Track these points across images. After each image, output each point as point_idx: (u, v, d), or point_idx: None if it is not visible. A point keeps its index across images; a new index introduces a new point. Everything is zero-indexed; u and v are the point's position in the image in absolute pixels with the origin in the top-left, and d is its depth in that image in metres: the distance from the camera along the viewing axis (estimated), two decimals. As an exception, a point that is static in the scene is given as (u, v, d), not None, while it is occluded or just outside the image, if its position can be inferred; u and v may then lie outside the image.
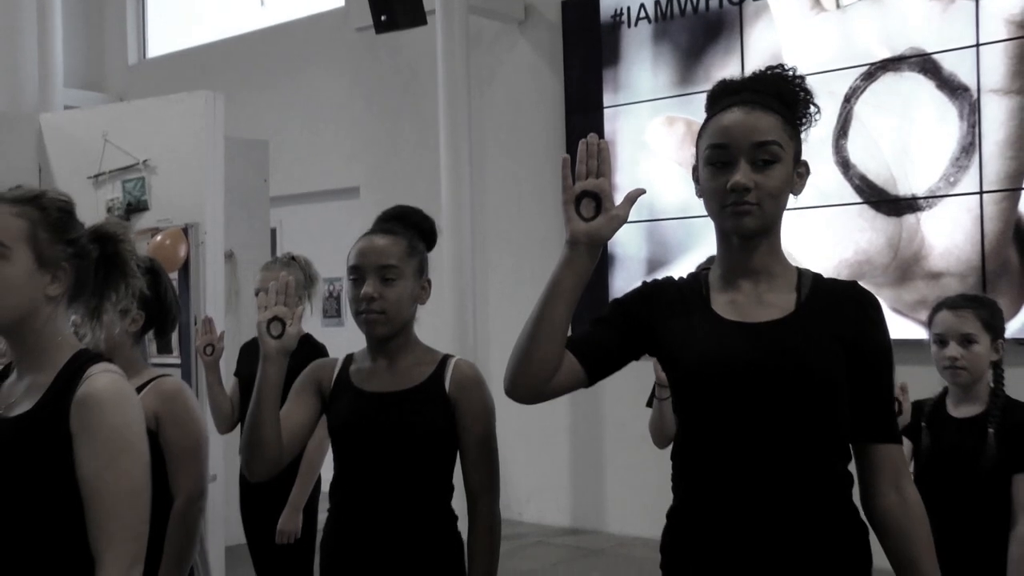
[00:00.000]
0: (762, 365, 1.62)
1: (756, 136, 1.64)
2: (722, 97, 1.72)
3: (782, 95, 1.70)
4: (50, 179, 5.36)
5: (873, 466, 1.68)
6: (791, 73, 1.73)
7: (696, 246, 5.69)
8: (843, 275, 5.19)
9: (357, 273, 2.14)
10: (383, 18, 5.79)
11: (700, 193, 1.74)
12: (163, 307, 2.55)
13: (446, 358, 2.20)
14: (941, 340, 2.65)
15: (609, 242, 5.17)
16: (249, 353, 3.55)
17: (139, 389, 2.31)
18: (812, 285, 1.72)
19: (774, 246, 1.72)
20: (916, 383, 2.66)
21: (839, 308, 1.68)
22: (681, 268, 5.45)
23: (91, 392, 1.61)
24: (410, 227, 2.23)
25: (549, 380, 1.67)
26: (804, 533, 1.61)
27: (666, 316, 1.72)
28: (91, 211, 5.02)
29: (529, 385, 1.67)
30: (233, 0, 8.63)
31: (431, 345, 2.27)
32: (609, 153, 1.70)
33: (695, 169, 1.75)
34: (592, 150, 1.68)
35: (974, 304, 2.67)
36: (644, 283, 1.83)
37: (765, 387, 1.61)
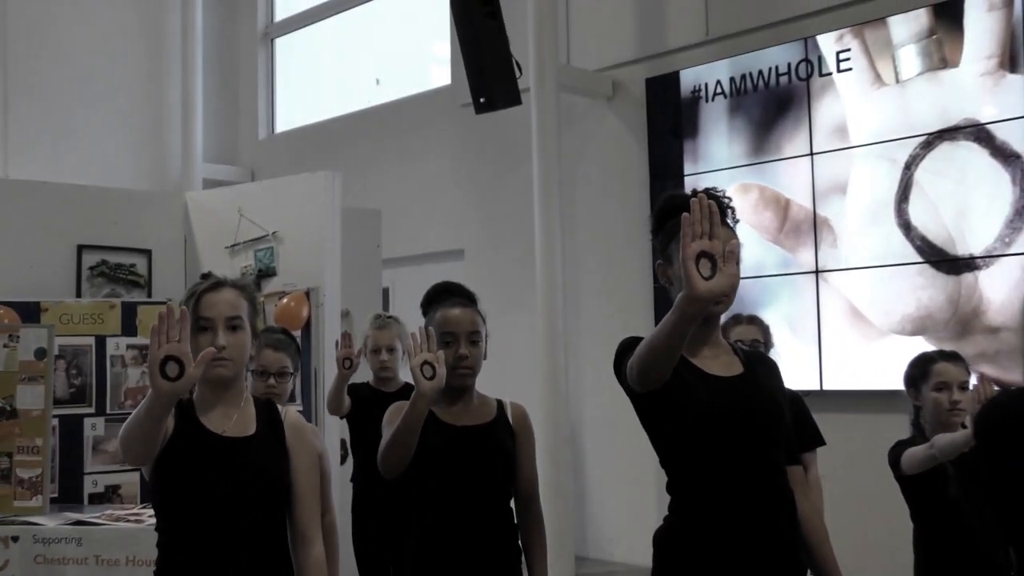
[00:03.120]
0: (754, 409, 2.13)
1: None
2: (675, 211, 2.14)
3: (722, 209, 2.19)
4: (194, 249, 6.13)
5: (792, 480, 2.20)
6: (720, 191, 2.23)
7: (770, 301, 6.13)
8: (907, 330, 5.58)
9: (452, 337, 2.70)
10: (482, 100, 6.43)
11: (668, 283, 2.21)
12: None
13: (500, 401, 2.78)
14: (945, 387, 3.09)
15: None
16: (354, 393, 4.14)
17: None
18: (743, 352, 2.24)
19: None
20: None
21: (767, 368, 2.20)
22: (757, 323, 5.89)
23: (296, 420, 2.34)
24: (472, 300, 2.80)
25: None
26: (784, 530, 2.13)
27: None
28: (229, 277, 5.78)
29: (652, 384, 2.06)
30: (352, 79, 9.46)
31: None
32: (718, 215, 1.90)
33: (661, 265, 2.23)
34: (705, 212, 1.87)
35: (958, 357, 3.13)
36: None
37: (758, 426, 2.13)
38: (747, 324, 4.02)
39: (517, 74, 6.46)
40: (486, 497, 2.65)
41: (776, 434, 2.15)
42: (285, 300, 5.40)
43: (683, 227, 1.84)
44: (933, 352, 3.22)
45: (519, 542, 2.71)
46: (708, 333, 2.19)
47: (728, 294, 2.05)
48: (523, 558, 2.72)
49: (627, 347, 2.13)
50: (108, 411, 5.22)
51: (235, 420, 2.26)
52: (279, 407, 2.38)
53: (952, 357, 3.15)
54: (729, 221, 2.21)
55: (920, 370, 3.17)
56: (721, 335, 2.24)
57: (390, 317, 4.21)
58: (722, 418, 2.11)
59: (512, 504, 2.74)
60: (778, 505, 2.12)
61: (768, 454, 2.13)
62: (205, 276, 2.39)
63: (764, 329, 4.05)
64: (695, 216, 1.84)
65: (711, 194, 2.18)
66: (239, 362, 2.27)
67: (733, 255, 1.89)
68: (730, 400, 2.12)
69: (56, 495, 4.81)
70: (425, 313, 2.84)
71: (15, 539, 4.18)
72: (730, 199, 2.25)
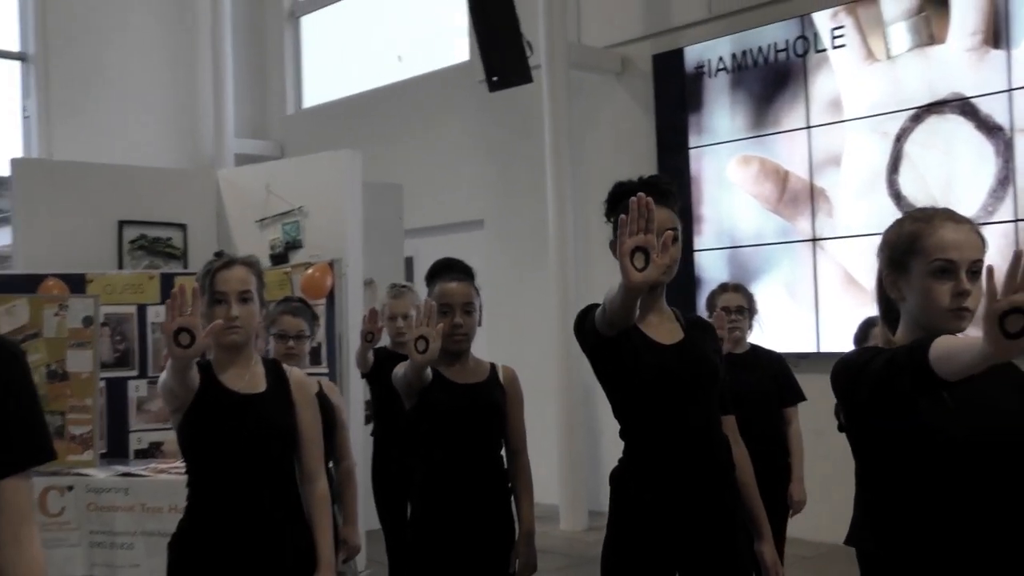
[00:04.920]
0: (691, 371, 2.50)
1: (667, 225, 2.46)
2: (624, 197, 2.39)
3: (666, 193, 2.53)
4: (226, 223, 6.55)
5: (725, 428, 2.58)
6: (664, 177, 2.58)
7: (769, 268, 6.46)
8: (896, 294, 5.88)
9: (448, 308, 3.07)
10: (494, 79, 6.77)
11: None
12: None
13: (493, 364, 3.14)
14: (950, 268, 1.90)
15: (695, 267, 6.48)
16: (379, 357, 4.52)
17: None
18: (684, 318, 2.59)
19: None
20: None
21: (704, 332, 2.56)
22: (758, 289, 6.22)
23: (299, 377, 2.74)
24: (468, 274, 3.17)
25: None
26: (717, 469, 2.50)
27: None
28: (258, 249, 6.20)
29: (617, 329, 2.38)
30: (375, 56, 9.81)
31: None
32: (655, 211, 2.11)
33: (613, 243, 2.43)
34: (643, 210, 2.08)
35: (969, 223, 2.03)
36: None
37: (694, 385, 2.50)
38: (732, 292, 4.32)
39: (528, 53, 6.78)
40: (480, 443, 3.03)
41: (710, 391, 2.51)
42: (310, 271, 5.80)
43: (619, 226, 2.10)
44: (931, 210, 2.01)
45: (508, 484, 3.09)
46: (654, 301, 2.54)
47: (663, 277, 2.41)
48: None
49: (586, 312, 2.50)
50: (150, 374, 5.66)
51: (247, 379, 2.65)
52: (284, 367, 2.77)
53: (959, 219, 1.97)
54: (672, 204, 2.55)
55: (909, 241, 1.96)
56: (665, 303, 2.58)
57: (404, 286, 4.59)
58: (663, 379, 2.47)
59: (503, 453, 3.11)
60: (712, 448, 2.49)
61: (703, 407, 2.49)
62: (218, 255, 2.76)
63: (748, 296, 4.35)
64: (632, 215, 2.09)
65: (653, 181, 2.53)
66: (249, 329, 2.66)
67: (667, 245, 2.19)
68: (669, 364, 2.48)
69: (105, 451, 5.26)
70: (428, 285, 3.21)
71: (70, 488, 4.63)
72: (672, 184, 2.59)
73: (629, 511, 2.49)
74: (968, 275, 1.90)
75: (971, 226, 1.94)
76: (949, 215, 1.95)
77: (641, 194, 2.14)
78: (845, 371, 1.92)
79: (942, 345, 1.69)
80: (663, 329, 2.54)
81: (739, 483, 2.58)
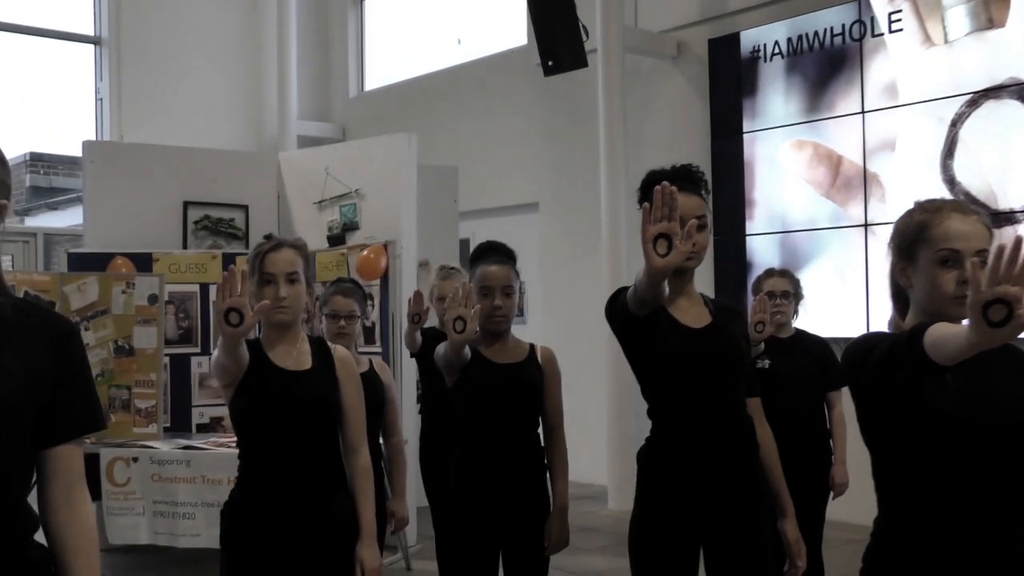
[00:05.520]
0: (717, 355, 2.58)
1: (695, 212, 2.55)
2: (654, 184, 2.48)
3: (695, 181, 2.61)
4: (286, 204, 6.74)
5: (750, 409, 2.65)
6: (694, 166, 2.65)
7: (821, 253, 6.46)
8: (949, 280, 5.85)
9: (488, 290, 3.18)
10: (550, 63, 6.84)
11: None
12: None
13: (532, 344, 3.24)
14: (955, 258, 1.94)
15: (747, 252, 6.53)
16: (427, 337, 4.65)
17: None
18: (712, 303, 2.66)
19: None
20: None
21: (732, 317, 2.64)
22: (809, 273, 6.24)
23: (343, 354, 2.84)
24: (510, 257, 3.26)
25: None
26: (741, 447, 2.58)
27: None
28: (316, 230, 6.37)
29: (647, 309, 2.47)
30: (435, 40, 9.93)
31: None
32: (678, 199, 2.21)
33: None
34: (667, 199, 2.19)
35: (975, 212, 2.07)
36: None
37: (719, 368, 2.58)
38: (779, 276, 4.36)
39: (584, 38, 6.84)
40: (517, 421, 3.14)
41: (736, 374, 2.59)
42: (365, 252, 5.95)
43: (643, 214, 2.20)
44: (940, 201, 2.06)
45: (544, 461, 3.20)
46: (683, 285, 2.63)
47: (689, 262, 2.50)
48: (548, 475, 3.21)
49: (617, 294, 2.60)
50: (212, 351, 5.86)
51: (294, 356, 2.79)
52: (329, 345, 2.91)
53: (966, 211, 2.02)
54: (702, 192, 2.62)
55: (917, 230, 2.01)
56: (694, 288, 2.66)
57: (453, 268, 4.70)
58: (689, 362, 2.55)
59: (540, 431, 3.22)
60: (737, 429, 2.57)
61: (728, 389, 2.57)
62: (268, 237, 2.89)
63: (795, 282, 4.38)
64: (656, 203, 2.20)
65: (684, 170, 2.62)
66: (296, 309, 2.79)
67: (691, 233, 2.26)
68: (696, 347, 2.56)
69: (168, 424, 5.49)
70: (471, 267, 3.32)
71: (135, 460, 4.86)
72: (701, 173, 2.66)
73: (656, 487, 2.58)
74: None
75: (978, 217, 2.00)
76: (957, 206, 2.01)
77: (665, 183, 2.23)
78: (853, 354, 1.99)
79: (936, 332, 1.76)
80: (691, 313, 2.62)
81: (763, 463, 2.65)
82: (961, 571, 1.89)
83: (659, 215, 2.20)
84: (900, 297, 2.10)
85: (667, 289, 2.43)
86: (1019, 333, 1.58)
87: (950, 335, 1.71)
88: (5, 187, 1.66)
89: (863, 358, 1.94)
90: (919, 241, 1.99)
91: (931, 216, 1.99)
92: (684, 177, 2.58)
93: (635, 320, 2.51)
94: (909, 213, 2.06)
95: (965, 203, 2.04)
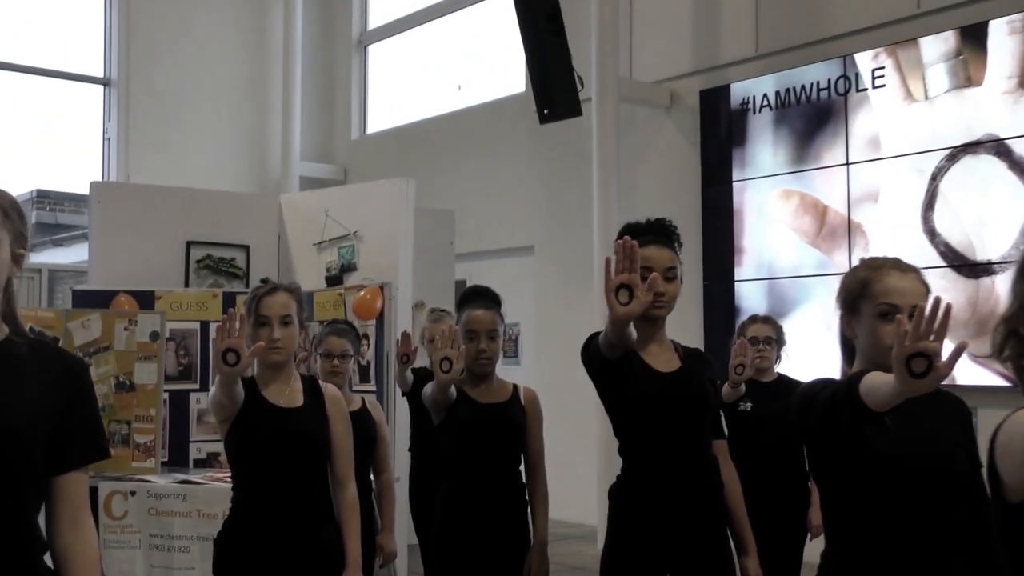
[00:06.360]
0: (685, 397, 2.74)
1: (666, 263, 2.74)
2: (634, 235, 2.66)
3: (668, 235, 2.79)
4: (286, 245, 6.91)
5: (716, 450, 2.80)
6: (668, 220, 2.82)
7: (806, 300, 6.62)
8: (929, 329, 6.01)
9: (474, 333, 3.33)
10: (545, 111, 7.04)
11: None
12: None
13: (515, 385, 3.40)
14: (893, 312, 2.09)
15: (735, 297, 6.71)
16: (418, 377, 4.79)
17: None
18: (683, 349, 2.82)
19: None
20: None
21: (700, 362, 2.79)
22: (796, 319, 6.41)
23: (333, 393, 3.00)
24: (495, 302, 3.43)
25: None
26: (707, 487, 2.73)
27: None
28: (315, 271, 6.55)
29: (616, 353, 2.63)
30: (435, 85, 10.17)
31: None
32: (638, 252, 2.40)
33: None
34: (628, 252, 2.38)
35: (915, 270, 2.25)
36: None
37: (687, 411, 2.73)
38: (762, 323, 4.51)
39: (579, 87, 7.05)
40: (501, 458, 3.29)
41: (703, 416, 2.75)
42: (362, 292, 6.11)
43: (604, 266, 2.38)
44: (881, 259, 2.23)
45: (525, 497, 3.34)
46: (654, 332, 2.79)
47: (658, 311, 2.69)
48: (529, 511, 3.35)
49: (591, 339, 2.76)
50: (211, 387, 5.99)
51: (287, 394, 2.96)
52: (320, 383, 3.07)
53: (905, 268, 2.19)
54: (675, 245, 2.79)
55: (860, 286, 2.19)
56: (665, 334, 2.82)
57: (443, 311, 4.87)
58: (659, 404, 2.72)
59: (521, 468, 3.37)
60: (702, 469, 2.73)
61: (695, 431, 2.73)
62: (264, 281, 3.07)
63: (777, 328, 4.53)
64: (618, 256, 2.38)
65: (661, 223, 2.79)
66: (289, 349, 2.97)
67: (653, 284, 2.44)
68: (665, 390, 2.72)
69: (166, 459, 5.61)
70: (458, 311, 3.49)
71: (133, 493, 4.97)
72: (675, 227, 2.84)
73: (626, 522, 2.73)
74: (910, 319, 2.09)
75: (916, 275, 2.16)
76: (896, 264, 2.18)
77: (627, 237, 2.41)
78: (801, 399, 2.15)
79: (869, 381, 1.92)
80: (662, 358, 2.78)
81: (727, 501, 2.80)
82: None
83: (620, 267, 2.38)
84: (848, 347, 2.26)
85: (634, 334, 2.58)
86: (938, 383, 1.75)
87: (880, 384, 1.87)
88: (23, 238, 1.83)
89: (809, 403, 2.10)
90: (862, 296, 2.16)
91: (873, 273, 2.16)
92: (657, 231, 2.75)
93: (608, 363, 2.67)
94: (854, 270, 2.23)
95: (904, 262, 2.20)
